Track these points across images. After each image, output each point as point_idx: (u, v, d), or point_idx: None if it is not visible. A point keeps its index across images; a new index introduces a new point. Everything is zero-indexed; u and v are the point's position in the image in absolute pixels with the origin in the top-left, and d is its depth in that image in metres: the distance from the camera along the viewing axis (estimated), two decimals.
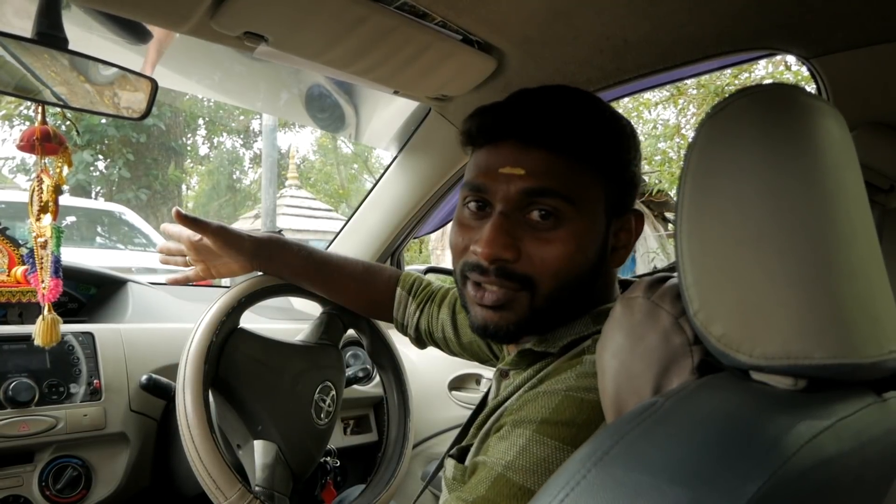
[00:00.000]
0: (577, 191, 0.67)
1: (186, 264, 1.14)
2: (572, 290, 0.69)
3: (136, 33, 1.03)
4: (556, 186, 0.67)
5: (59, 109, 1.01)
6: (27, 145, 0.96)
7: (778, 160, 0.45)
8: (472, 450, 0.72)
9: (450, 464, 0.73)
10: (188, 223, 1.03)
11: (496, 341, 0.76)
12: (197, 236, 1.06)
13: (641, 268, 7.15)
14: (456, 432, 0.96)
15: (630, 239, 0.74)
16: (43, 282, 1.00)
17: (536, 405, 0.64)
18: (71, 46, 0.92)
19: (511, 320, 0.70)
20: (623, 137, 0.72)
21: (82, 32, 1.00)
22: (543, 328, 0.72)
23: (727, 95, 0.49)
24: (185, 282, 1.15)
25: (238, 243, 1.05)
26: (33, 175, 0.98)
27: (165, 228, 1.17)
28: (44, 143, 0.97)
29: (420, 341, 1.12)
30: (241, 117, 12.63)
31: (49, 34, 0.90)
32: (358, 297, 1.14)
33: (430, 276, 1.32)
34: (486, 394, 0.86)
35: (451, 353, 1.08)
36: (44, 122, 0.98)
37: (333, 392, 1.14)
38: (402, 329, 1.13)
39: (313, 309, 1.36)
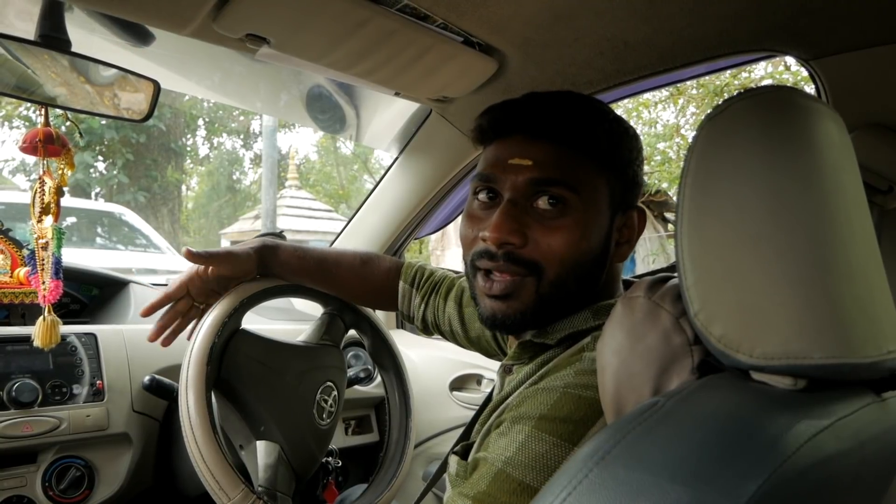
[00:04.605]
0: (581, 181, 0.70)
1: (193, 310, 1.05)
2: (577, 279, 0.71)
3: (138, 35, 1.03)
4: (561, 176, 0.70)
5: (61, 111, 1.01)
6: (30, 147, 0.97)
7: (777, 162, 0.46)
8: (475, 446, 0.73)
9: (453, 460, 0.75)
10: (201, 259, 1.00)
11: (504, 331, 0.77)
12: (206, 271, 1.03)
13: (641, 269, 7.15)
14: (457, 432, 0.97)
15: (633, 235, 0.76)
16: (43, 283, 1.00)
17: (535, 401, 0.65)
18: (73, 48, 0.92)
19: (518, 309, 0.71)
20: (626, 138, 0.76)
21: (85, 35, 1.00)
22: (548, 319, 0.74)
23: (726, 98, 0.50)
24: None
25: (246, 261, 1.04)
26: (33, 176, 0.98)
27: (164, 298, 1.03)
28: (46, 144, 0.97)
29: (427, 331, 1.13)
30: (241, 118, 12.64)
31: (52, 36, 0.91)
32: (358, 290, 1.15)
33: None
34: (492, 392, 0.87)
35: (459, 345, 1.10)
36: (47, 123, 0.98)
37: (335, 392, 1.14)
38: (409, 320, 1.14)
39: (314, 310, 1.36)
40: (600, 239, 0.72)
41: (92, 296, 1.42)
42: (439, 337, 1.14)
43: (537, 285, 0.71)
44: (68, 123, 1.09)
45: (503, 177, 0.72)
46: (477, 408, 1.44)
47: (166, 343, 1.05)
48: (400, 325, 1.78)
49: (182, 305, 1.05)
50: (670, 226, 7.44)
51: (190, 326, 1.06)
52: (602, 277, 0.75)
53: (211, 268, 1.03)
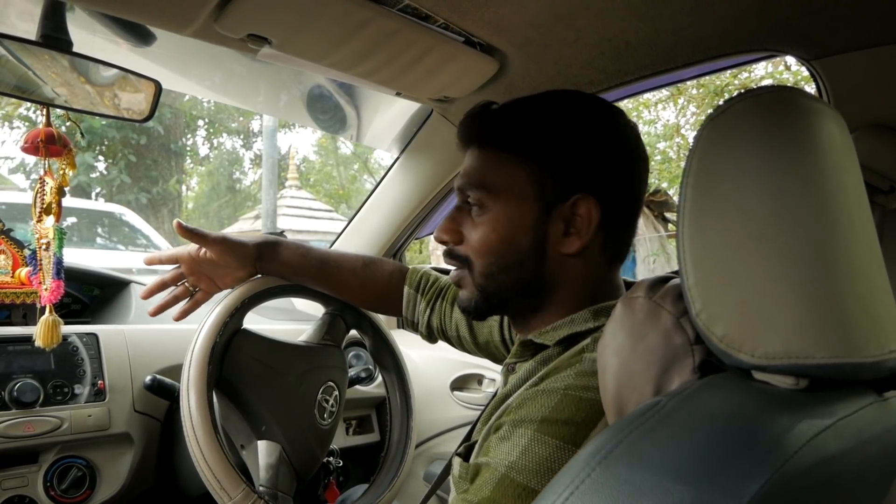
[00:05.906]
0: (496, 181, 0.75)
1: (187, 292, 1.09)
2: (503, 270, 0.76)
3: (139, 36, 1.03)
4: (475, 180, 0.76)
5: (62, 111, 1.01)
6: (31, 147, 0.97)
7: (779, 162, 0.46)
8: (476, 446, 0.73)
9: (456, 462, 0.75)
10: (190, 235, 1.02)
11: (470, 317, 0.84)
12: (198, 252, 1.05)
13: (641, 269, 7.14)
14: (458, 432, 0.97)
15: (584, 224, 0.73)
16: (45, 283, 1.00)
17: (536, 404, 0.65)
18: (74, 48, 0.92)
19: (468, 297, 0.80)
20: (560, 129, 0.75)
21: (86, 35, 1.00)
22: (505, 307, 0.80)
23: (728, 97, 0.50)
24: (195, 307, 1.09)
25: (242, 249, 1.05)
26: (33, 176, 0.99)
27: (154, 258, 1.09)
28: (48, 144, 0.97)
29: (432, 337, 1.12)
30: (241, 118, 12.63)
31: (53, 36, 0.91)
32: (360, 292, 1.14)
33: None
34: (496, 393, 0.87)
35: (465, 350, 1.09)
36: (48, 123, 0.98)
37: (336, 392, 1.14)
38: (413, 326, 1.13)
39: (316, 309, 1.37)
40: (524, 231, 0.74)
41: (93, 296, 1.42)
42: (432, 350, 1.12)
43: (472, 277, 0.78)
44: (69, 123, 1.09)
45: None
46: (477, 407, 1.44)
47: (154, 312, 1.08)
48: (401, 326, 1.78)
49: (170, 276, 1.08)
50: (671, 226, 7.44)
51: (178, 306, 1.09)
52: (545, 268, 0.74)
53: (204, 249, 1.05)
